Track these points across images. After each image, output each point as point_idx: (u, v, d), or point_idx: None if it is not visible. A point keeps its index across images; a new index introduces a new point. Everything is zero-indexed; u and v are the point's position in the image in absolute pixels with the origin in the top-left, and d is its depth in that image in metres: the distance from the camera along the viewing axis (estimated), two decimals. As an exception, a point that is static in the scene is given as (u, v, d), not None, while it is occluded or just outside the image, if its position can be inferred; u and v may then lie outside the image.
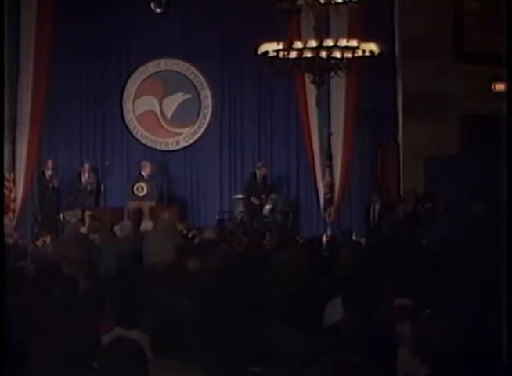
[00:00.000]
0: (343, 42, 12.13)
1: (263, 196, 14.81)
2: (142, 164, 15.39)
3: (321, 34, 12.50)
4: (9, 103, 14.70)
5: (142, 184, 15.00)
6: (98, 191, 15.01)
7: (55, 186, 15.12)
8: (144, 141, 16.14)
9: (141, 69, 16.07)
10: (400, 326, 4.46)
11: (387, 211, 13.53)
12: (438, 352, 3.28)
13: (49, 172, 15.19)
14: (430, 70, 14.82)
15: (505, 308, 2.93)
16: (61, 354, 3.64)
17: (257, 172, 15.25)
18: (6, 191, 14.57)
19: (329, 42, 12.12)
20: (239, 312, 4.46)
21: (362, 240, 11.04)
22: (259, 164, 15.35)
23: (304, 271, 5.87)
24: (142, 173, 15.31)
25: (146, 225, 10.69)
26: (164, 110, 16.13)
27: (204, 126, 16.11)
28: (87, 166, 15.32)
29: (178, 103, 16.12)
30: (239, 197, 15.17)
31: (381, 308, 4.53)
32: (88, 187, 15.07)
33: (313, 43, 12.14)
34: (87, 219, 13.53)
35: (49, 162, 15.28)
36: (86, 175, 15.27)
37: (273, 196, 15.02)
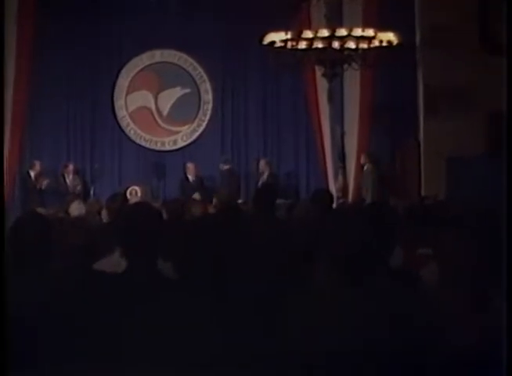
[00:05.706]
0: (358, 31, 11.96)
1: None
2: (187, 165, 15.15)
3: (333, 22, 12.27)
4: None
5: (136, 188, 14.78)
6: (85, 194, 14.53)
7: (42, 187, 14.71)
8: (138, 140, 15.78)
9: (134, 61, 15.70)
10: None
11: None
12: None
13: (35, 174, 14.82)
14: (454, 62, 14.38)
15: (505, 308, 3.10)
16: None
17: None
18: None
19: (342, 31, 11.90)
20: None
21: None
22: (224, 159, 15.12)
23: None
24: (188, 176, 15.04)
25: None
26: (160, 107, 15.82)
27: (204, 124, 15.81)
28: (70, 167, 14.92)
29: (175, 98, 15.85)
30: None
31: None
32: (75, 189, 14.62)
33: (325, 32, 11.86)
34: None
35: (37, 163, 14.90)
36: (70, 177, 14.87)
37: (280, 201, 14.38)
